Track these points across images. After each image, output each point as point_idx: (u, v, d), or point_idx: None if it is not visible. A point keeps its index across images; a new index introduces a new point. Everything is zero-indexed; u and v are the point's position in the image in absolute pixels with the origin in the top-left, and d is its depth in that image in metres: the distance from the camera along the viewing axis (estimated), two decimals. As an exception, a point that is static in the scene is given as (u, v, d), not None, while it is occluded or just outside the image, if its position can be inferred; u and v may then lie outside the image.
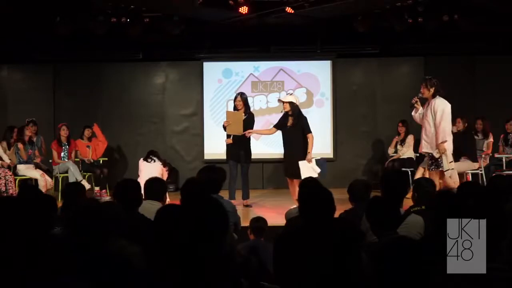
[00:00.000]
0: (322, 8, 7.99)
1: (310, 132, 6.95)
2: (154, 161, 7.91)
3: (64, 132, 8.66)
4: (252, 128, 7.51)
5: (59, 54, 9.83)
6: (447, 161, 6.41)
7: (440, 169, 6.48)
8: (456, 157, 8.08)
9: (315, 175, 6.69)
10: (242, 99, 7.47)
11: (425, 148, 6.70)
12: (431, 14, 8.46)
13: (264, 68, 9.92)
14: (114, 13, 8.41)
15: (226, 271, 1.62)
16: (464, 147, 7.99)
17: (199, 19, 8.70)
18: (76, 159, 8.80)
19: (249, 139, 7.53)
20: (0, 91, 10.04)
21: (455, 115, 8.27)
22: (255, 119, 7.77)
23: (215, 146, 9.39)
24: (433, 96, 6.58)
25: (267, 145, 9.40)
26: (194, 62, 9.94)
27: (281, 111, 7.28)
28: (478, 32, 8.94)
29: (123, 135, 9.87)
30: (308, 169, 6.78)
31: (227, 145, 7.59)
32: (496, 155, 8.40)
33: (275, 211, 7.08)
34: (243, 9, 7.94)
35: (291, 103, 6.95)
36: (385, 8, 8.50)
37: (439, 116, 6.44)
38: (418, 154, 9.09)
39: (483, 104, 9.55)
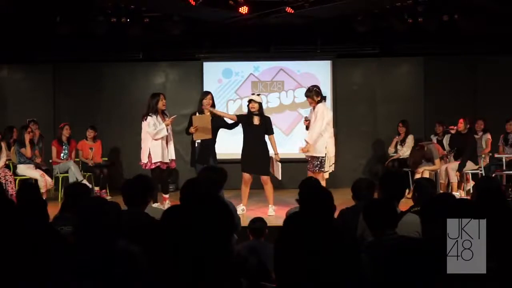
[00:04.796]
0: (322, 8, 7.99)
1: (273, 133, 7.15)
2: None
3: (66, 132, 8.67)
4: (221, 126, 7.28)
5: (59, 54, 9.83)
6: (328, 164, 6.81)
7: (323, 169, 6.80)
8: (457, 157, 8.10)
9: (280, 175, 7.05)
10: (211, 98, 7.19)
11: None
12: (431, 14, 8.46)
13: (264, 68, 9.92)
14: (114, 13, 8.43)
15: (226, 271, 1.61)
16: (464, 147, 7.97)
17: (199, 19, 8.70)
18: (76, 159, 8.81)
19: (214, 141, 7.28)
20: (0, 91, 10.04)
21: (456, 116, 8.30)
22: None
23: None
24: (319, 102, 6.84)
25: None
26: (194, 62, 9.94)
27: (251, 110, 7.07)
28: (478, 32, 8.94)
29: (123, 135, 9.85)
30: (279, 169, 7.03)
31: (197, 149, 7.30)
32: (496, 155, 8.39)
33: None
34: (243, 9, 7.95)
35: (259, 104, 7.06)
36: (385, 8, 8.51)
37: (315, 118, 6.75)
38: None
39: (483, 104, 9.55)
